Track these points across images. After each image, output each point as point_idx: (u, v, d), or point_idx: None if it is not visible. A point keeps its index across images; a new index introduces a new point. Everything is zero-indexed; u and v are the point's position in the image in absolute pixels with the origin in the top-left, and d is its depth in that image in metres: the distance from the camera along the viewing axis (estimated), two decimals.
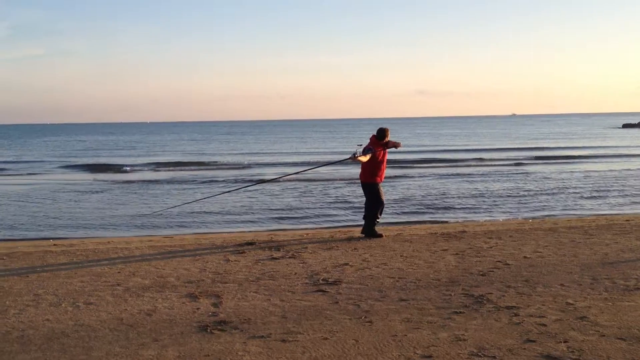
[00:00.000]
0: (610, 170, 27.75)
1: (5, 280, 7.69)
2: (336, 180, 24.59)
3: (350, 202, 18.17)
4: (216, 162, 38.65)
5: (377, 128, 10.61)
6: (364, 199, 10.78)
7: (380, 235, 10.47)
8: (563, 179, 24.15)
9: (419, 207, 17.32)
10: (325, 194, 20.33)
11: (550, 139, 62.60)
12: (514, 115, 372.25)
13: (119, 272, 8.04)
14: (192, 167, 34.90)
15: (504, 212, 16.13)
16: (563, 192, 20.04)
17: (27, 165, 39.04)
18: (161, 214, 16.04)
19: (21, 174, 32.56)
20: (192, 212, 16.71)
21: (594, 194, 19.50)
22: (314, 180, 24.61)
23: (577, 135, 72.34)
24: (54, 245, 10.72)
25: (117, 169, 34.88)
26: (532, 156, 38.42)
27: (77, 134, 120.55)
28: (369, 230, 10.55)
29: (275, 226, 14.59)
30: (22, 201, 19.98)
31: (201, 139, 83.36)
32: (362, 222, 10.87)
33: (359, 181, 10.84)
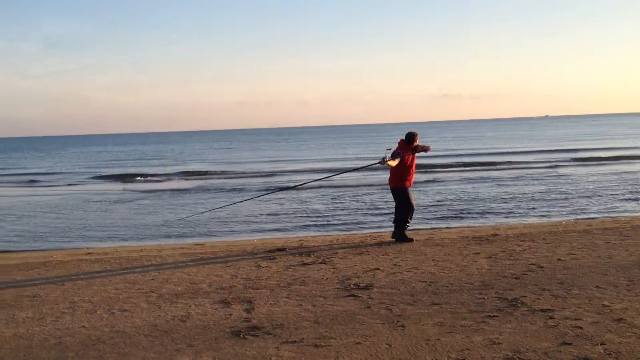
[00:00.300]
0: None
1: (42, 288, 7.83)
2: (366, 186, 24.55)
3: (379, 208, 18.13)
4: (243, 172, 38.80)
5: (406, 132, 10.58)
6: (394, 203, 10.75)
7: (411, 240, 10.42)
8: (597, 181, 23.77)
9: (451, 211, 17.19)
10: (354, 200, 20.30)
11: (582, 140, 61.68)
12: (547, 116, 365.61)
13: (152, 280, 8.13)
14: (220, 176, 35.11)
15: (537, 215, 15.93)
16: (597, 194, 19.72)
17: (60, 176, 39.72)
18: (189, 221, 16.17)
19: (54, 185, 33.11)
20: (221, 220, 16.82)
21: (629, 196, 19.16)
22: (344, 186, 24.60)
23: (608, 135, 71.15)
24: (89, 253, 10.88)
25: (145, 178, 35.29)
26: (566, 158, 37.88)
27: (106, 145, 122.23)
28: (400, 235, 10.51)
29: (305, 232, 14.61)
30: (56, 212, 20.31)
31: (228, 147, 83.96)
32: (392, 227, 10.84)
33: (388, 186, 10.81)
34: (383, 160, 10.06)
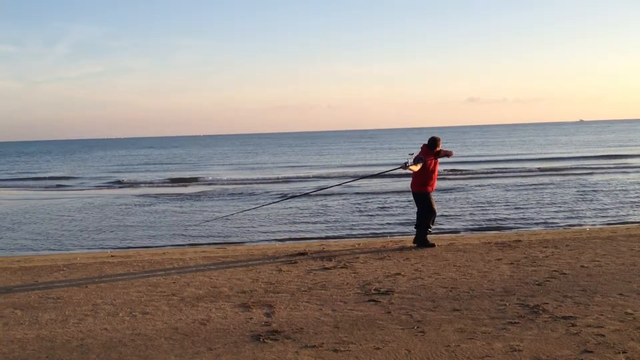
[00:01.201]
0: None
1: (65, 290, 7.94)
2: (389, 192, 24.48)
3: (401, 213, 18.07)
4: (264, 178, 38.91)
5: (429, 137, 10.54)
6: (416, 209, 10.71)
7: (433, 245, 10.37)
8: (622, 187, 23.45)
9: (476, 217, 17.08)
10: (377, 205, 20.26)
11: (613, 146, 60.87)
12: (581, 121, 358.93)
13: (174, 283, 8.20)
14: (245, 181, 35.25)
15: (561, 220, 15.76)
16: (622, 201, 19.46)
17: (85, 180, 40.20)
18: (215, 223, 16.27)
19: (80, 188, 33.51)
20: (244, 224, 16.90)
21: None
22: (365, 192, 24.56)
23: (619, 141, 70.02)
24: (112, 256, 10.99)
25: (173, 182, 35.60)
26: (589, 165, 37.42)
27: (132, 148, 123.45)
28: (421, 240, 10.47)
29: (327, 237, 14.61)
30: (80, 214, 20.55)
31: (254, 151, 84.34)
32: (414, 232, 10.80)
33: (410, 191, 10.78)
34: (405, 165, 10.03)
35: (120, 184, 35.81)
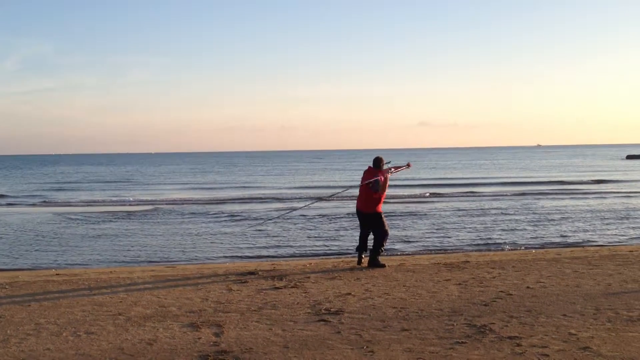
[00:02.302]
0: (616, 201, 27.70)
1: (7, 309, 7.69)
2: (340, 213, 24.58)
3: (353, 234, 18.16)
4: (215, 198, 38.67)
5: (373, 158, 10.78)
6: (360, 231, 10.83)
7: (383, 266, 10.43)
8: (568, 211, 24.10)
9: (426, 238, 17.28)
10: (328, 225, 20.32)
11: (551, 171, 62.55)
12: (539, 145, 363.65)
13: (120, 302, 8.03)
14: (198, 201, 34.91)
15: (508, 243, 16.08)
16: (567, 224, 19.98)
17: (31, 195, 39.19)
18: (164, 242, 16.04)
19: (23, 204, 32.64)
20: (194, 243, 16.72)
21: (597, 225, 19.44)
22: (318, 213, 24.61)
23: (586, 167, 72.08)
24: (57, 274, 10.71)
25: (120, 201, 35.02)
26: (531, 190, 38.33)
27: (83, 164, 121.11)
28: (373, 261, 10.52)
29: (278, 256, 14.56)
30: (23, 231, 20.01)
31: (202, 170, 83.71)
32: (360, 253, 10.87)
33: (357, 212, 10.81)
34: (389, 171, 10.41)
35: (47, 203, 34.99)
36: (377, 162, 10.60)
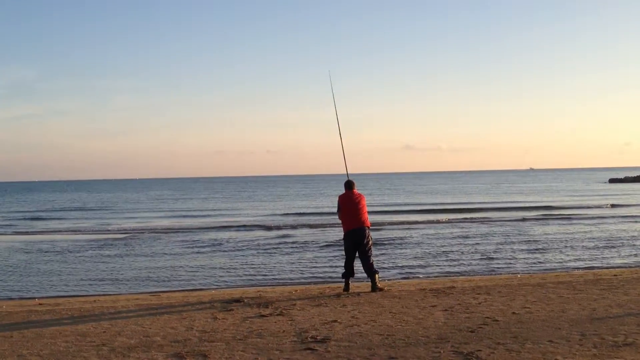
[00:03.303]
0: (605, 225, 27.92)
1: None
2: (325, 240, 24.57)
3: (338, 260, 18.13)
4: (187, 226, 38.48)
5: (346, 182, 11.05)
6: (346, 255, 10.95)
7: (382, 289, 10.63)
8: (553, 236, 24.25)
9: (412, 264, 17.29)
10: (314, 252, 20.28)
11: (551, 195, 62.97)
12: (531, 169, 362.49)
13: (104, 332, 7.94)
14: (181, 229, 34.72)
15: (495, 268, 16.13)
16: (554, 248, 20.10)
17: (18, 222, 38.80)
18: (145, 270, 15.91)
19: (7, 233, 32.30)
20: (178, 271, 16.60)
21: (581, 249, 19.57)
22: (304, 240, 24.58)
23: (571, 191, 72.62)
24: (40, 304, 10.58)
25: (107, 227, 34.76)
26: (526, 216, 38.57)
27: (65, 191, 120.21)
28: (376, 284, 10.68)
29: (263, 283, 14.49)
30: (8, 259, 19.78)
31: (183, 196, 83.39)
32: (347, 279, 10.94)
33: (366, 228, 10.87)
34: None
35: (23, 231, 34.70)
36: (352, 184, 10.98)
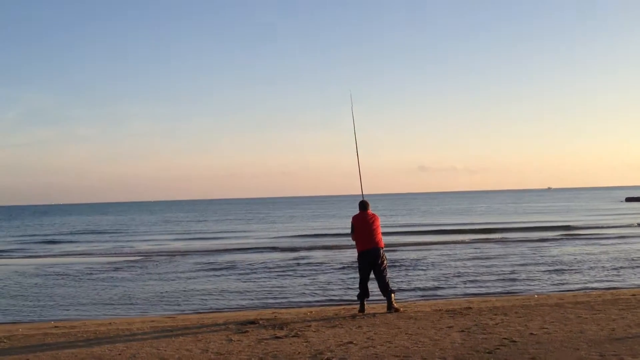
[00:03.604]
0: (622, 245, 27.64)
1: None
2: (339, 261, 24.50)
3: (353, 281, 18.05)
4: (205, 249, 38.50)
5: (360, 202, 11.08)
6: (360, 275, 10.93)
7: (398, 310, 10.56)
8: (572, 256, 24.02)
9: (427, 284, 17.18)
10: (329, 274, 20.21)
11: (567, 215, 62.39)
12: (549, 189, 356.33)
13: (119, 354, 7.94)
14: (197, 251, 34.77)
15: (512, 289, 15.98)
16: (572, 269, 19.90)
17: (33, 246, 39.06)
18: (161, 293, 15.91)
19: (24, 256, 32.50)
20: (193, 291, 16.60)
21: (599, 268, 19.35)
22: (317, 261, 24.53)
23: (589, 210, 71.88)
24: (55, 327, 10.62)
25: (122, 250, 34.90)
26: (543, 237, 38.25)
27: (81, 214, 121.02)
28: (392, 304, 10.65)
29: (278, 304, 14.45)
30: (24, 283, 19.88)
31: (198, 219, 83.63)
32: (362, 300, 10.89)
33: (380, 249, 10.84)
34: None
35: (38, 255, 34.86)
36: (366, 204, 10.99)
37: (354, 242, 11.03)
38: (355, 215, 11.02)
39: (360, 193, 11.80)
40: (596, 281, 16.87)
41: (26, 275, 21.91)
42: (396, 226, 48.10)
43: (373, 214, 11.01)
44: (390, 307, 10.61)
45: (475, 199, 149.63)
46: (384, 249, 10.93)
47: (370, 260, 10.73)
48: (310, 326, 9.52)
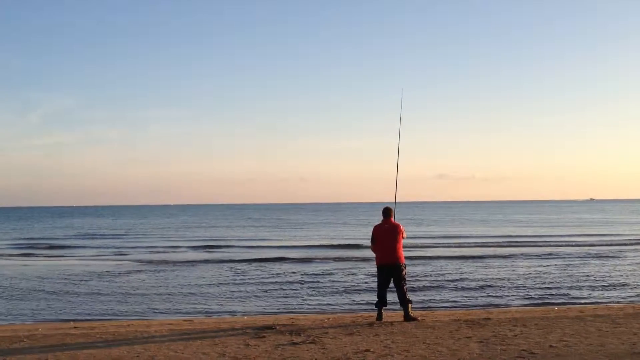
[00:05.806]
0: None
1: None
2: (358, 268, 24.45)
3: (372, 288, 18.00)
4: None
5: (384, 209, 10.94)
6: (378, 284, 10.81)
7: (416, 319, 10.47)
8: (593, 266, 23.74)
9: (446, 294, 17.08)
10: (346, 280, 20.18)
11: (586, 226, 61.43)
12: (591, 199, 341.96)
13: (137, 356, 7.98)
14: (212, 257, 34.89)
15: (527, 299, 15.83)
16: (591, 280, 19.67)
17: (48, 247, 39.47)
18: (177, 296, 15.98)
19: (47, 257, 32.85)
20: (213, 295, 16.66)
21: (622, 282, 19.10)
22: (335, 267, 24.50)
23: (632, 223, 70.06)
24: (75, 327, 10.71)
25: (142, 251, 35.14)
26: (560, 241, 37.84)
27: (99, 216, 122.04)
28: (410, 315, 10.54)
29: (296, 310, 14.44)
30: (45, 283, 20.09)
31: (216, 224, 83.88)
32: (380, 308, 10.79)
33: (400, 263, 10.67)
34: None
35: (60, 256, 35.16)
36: (390, 212, 10.87)
37: (374, 254, 10.92)
38: (376, 225, 10.88)
39: (395, 200, 11.68)
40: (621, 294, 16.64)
41: (45, 276, 22.13)
42: (420, 237, 47.76)
43: (396, 223, 10.80)
44: (406, 317, 10.53)
45: (502, 208, 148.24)
46: (405, 264, 10.72)
47: (389, 274, 10.66)
48: (327, 333, 9.49)
